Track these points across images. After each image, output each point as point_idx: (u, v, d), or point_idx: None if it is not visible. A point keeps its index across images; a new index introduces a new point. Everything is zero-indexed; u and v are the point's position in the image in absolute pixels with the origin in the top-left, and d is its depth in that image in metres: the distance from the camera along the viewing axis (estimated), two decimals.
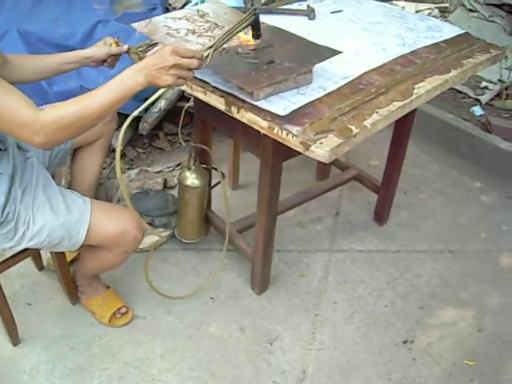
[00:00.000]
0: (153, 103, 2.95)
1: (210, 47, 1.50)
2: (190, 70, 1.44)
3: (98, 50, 1.86)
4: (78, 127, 1.45)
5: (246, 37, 1.77)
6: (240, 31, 1.59)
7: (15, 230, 1.70)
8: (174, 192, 2.70)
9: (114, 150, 2.96)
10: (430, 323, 2.23)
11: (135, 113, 1.47)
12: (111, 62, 1.89)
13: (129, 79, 1.43)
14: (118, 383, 1.97)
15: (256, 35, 1.73)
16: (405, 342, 2.15)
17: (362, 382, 2.01)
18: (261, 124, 1.57)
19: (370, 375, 2.03)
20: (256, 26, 1.69)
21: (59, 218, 1.73)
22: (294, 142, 1.50)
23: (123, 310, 2.18)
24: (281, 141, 1.55)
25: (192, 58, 1.42)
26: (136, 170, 2.87)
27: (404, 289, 2.38)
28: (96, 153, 2.13)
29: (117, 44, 1.87)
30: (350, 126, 1.55)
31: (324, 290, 2.35)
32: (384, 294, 2.34)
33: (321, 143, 1.48)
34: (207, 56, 1.48)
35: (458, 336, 2.19)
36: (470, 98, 3.51)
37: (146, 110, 2.96)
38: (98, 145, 2.12)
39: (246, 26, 1.61)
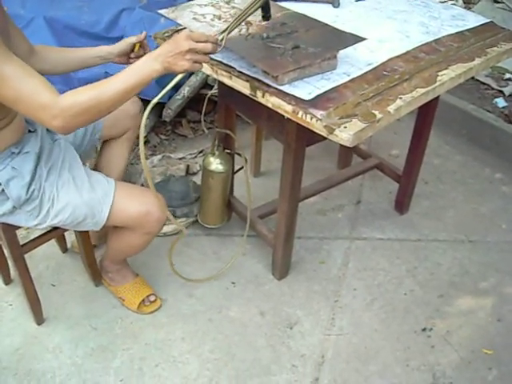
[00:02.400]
0: (174, 89, 2.98)
1: (224, 31, 1.51)
2: (205, 54, 1.45)
3: (123, 48, 1.90)
4: (94, 112, 1.48)
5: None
6: (252, 13, 1.59)
7: (40, 207, 1.74)
8: (196, 178, 2.73)
9: (137, 137, 3.00)
10: (449, 312, 2.24)
11: (155, 100, 1.48)
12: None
13: (145, 66, 1.45)
14: (140, 363, 2.00)
15: (266, 17, 1.74)
16: (423, 329, 2.16)
17: (380, 368, 2.02)
18: (285, 108, 1.58)
19: (388, 361, 2.04)
20: (266, 7, 1.70)
21: (83, 196, 1.76)
22: (318, 126, 1.52)
23: (152, 298, 2.20)
24: (305, 125, 1.56)
25: (206, 42, 1.43)
26: (159, 156, 2.90)
27: (424, 277, 2.38)
28: (123, 146, 2.16)
29: (140, 46, 1.90)
30: (373, 111, 1.56)
31: (344, 277, 2.37)
32: (403, 282, 2.35)
33: (345, 127, 1.49)
34: (222, 39, 1.49)
35: (476, 325, 2.19)
36: (493, 89, 3.48)
37: (170, 96, 2.99)
38: (125, 138, 2.14)
39: (258, 8, 1.61)
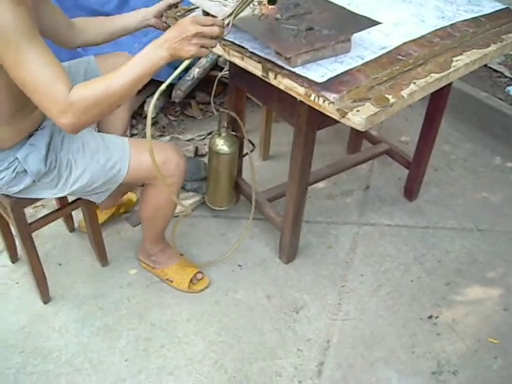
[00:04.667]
0: (184, 71, 2.96)
1: (231, 14, 1.48)
2: (212, 38, 1.42)
3: (160, 9, 1.94)
4: (104, 106, 1.45)
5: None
6: None
7: (59, 176, 1.75)
8: (205, 160, 2.72)
9: (146, 117, 2.98)
10: (455, 300, 2.23)
11: (162, 87, 1.44)
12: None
13: (151, 54, 1.42)
14: (145, 343, 2.00)
15: (271, 0, 1.72)
16: (430, 317, 2.16)
17: (385, 354, 2.02)
18: (298, 90, 1.56)
19: (393, 348, 2.04)
20: None
21: (99, 158, 1.77)
22: (330, 109, 1.50)
23: (199, 276, 2.21)
24: (317, 108, 1.54)
25: (213, 25, 1.40)
26: (167, 138, 2.89)
27: (431, 264, 2.37)
28: (123, 106, 2.10)
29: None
30: (386, 96, 1.54)
31: (351, 262, 2.36)
32: (411, 269, 2.34)
33: (357, 111, 1.47)
34: (228, 23, 1.46)
35: (483, 314, 2.18)
36: (505, 77, 3.45)
37: (180, 77, 2.96)
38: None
39: None
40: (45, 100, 1.41)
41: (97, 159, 1.77)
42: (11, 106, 1.57)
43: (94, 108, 1.42)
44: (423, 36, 1.87)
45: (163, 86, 1.44)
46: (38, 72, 1.38)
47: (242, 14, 1.51)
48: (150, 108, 1.47)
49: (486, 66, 3.40)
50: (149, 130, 1.47)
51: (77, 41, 1.91)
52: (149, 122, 1.47)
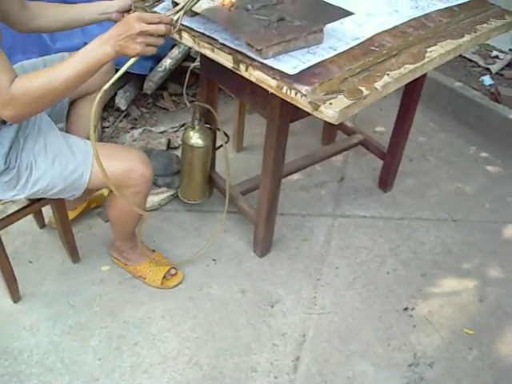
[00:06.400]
0: (155, 61, 2.91)
1: (180, 10, 1.44)
2: (159, 36, 1.38)
3: (123, 4, 1.84)
4: (46, 100, 1.43)
5: None
6: None
7: (18, 176, 1.69)
8: (178, 152, 2.68)
9: (117, 109, 2.93)
10: (431, 291, 2.23)
11: (105, 86, 1.39)
12: None
13: (96, 51, 1.39)
14: (119, 341, 1.97)
15: None
16: (405, 309, 2.15)
17: (361, 347, 2.01)
18: (269, 83, 1.53)
19: (369, 340, 2.03)
20: None
21: (61, 161, 1.71)
22: (302, 102, 1.47)
23: (173, 272, 2.18)
24: (289, 100, 1.51)
25: (159, 23, 1.36)
26: (139, 130, 2.85)
27: (406, 256, 2.37)
28: (92, 105, 2.07)
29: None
30: (360, 88, 1.51)
31: (326, 255, 2.34)
32: (386, 261, 2.34)
33: (330, 104, 1.44)
34: (177, 20, 1.42)
35: (458, 305, 2.19)
36: (479, 67, 3.45)
37: (151, 68, 2.91)
38: (94, 97, 2.07)
39: None
40: None
41: (58, 162, 1.71)
42: None
43: (36, 101, 1.41)
44: (397, 26, 1.84)
45: (101, 92, 1.39)
46: None
47: (204, 6, 1.46)
48: (92, 112, 1.41)
49: (460, 55, 3.39)
50: (93, 136, 1.43)
51: (29, 24, 1.80)
52: (92, 129, 1.42)
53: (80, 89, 1.89)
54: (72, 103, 2.04)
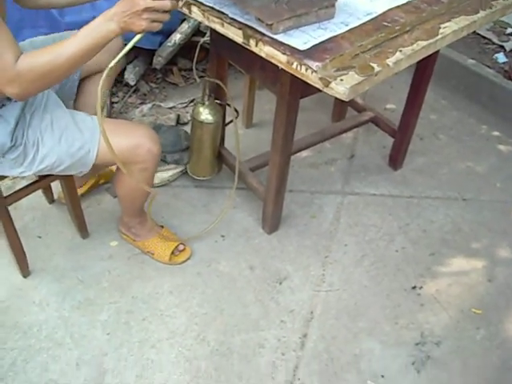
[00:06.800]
0: (165, 36, 2.89)
1: None
2: (165, 12, 1.37)
3: None
4: (52, 77, 1.43)
5: None
6: None
7: (24, 153, 1.69)
8: (187, 128, 2.66)
9: (126, 84, 2.92)
10: (439, 270, 2.22)
11: (111, 64, 1.38)
12: None
13: (101, 27, 1.38)
14: (127, 317, 1.98)
15: None
16: (414, 287, 2.15)
17: (369, 325, 2.01)
18: (279, 58, 1.51)
19: (377, 318, 2.03)
20: None
21: (68, 137, 1.71)
22: (313, 78, 1.45)
23: (181, 247, 2.18)
24: (299, 76, 1.49)
25: None
26: (149, 105, 2.83)
27: (416, 234, 2.35)
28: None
29: None
30: (371, 64, 1.49)
31: (335, 232, 2.34)
32: (395, 239, 2.33)
33: (341, 80, 1.42)
34: None
35: (467, 284, 2.18)
36: (493, 44, 3.40)
37: (160, 43, 2.89)
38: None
39: None
40: None
41: (65, 138, 1.70)
42: None
43: (41, 79, 1.41)
44: (410, 2, 1.81)
45: (107, 69, 1.38)
46: None
47: None
48: (99, 89, 1.39)
49: (474, 32, 3.34)
50: (100, 112, 1.42)
51: (38, 1, 1.79)
52: (99, 106, 1.41)
53: (89, 67, 1.89)
54: (81, 81, 2.03)
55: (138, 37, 1.40)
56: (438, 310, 2.07)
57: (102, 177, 2.42)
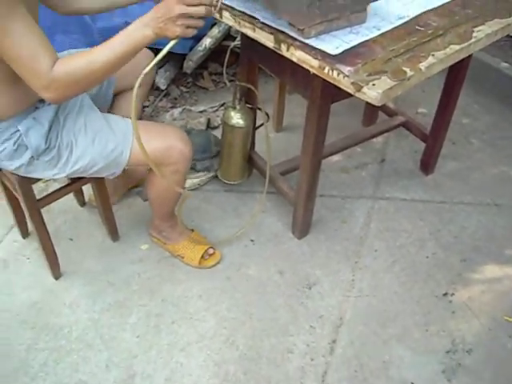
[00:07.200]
0: (196, 40, 2.90)
1: None
2: (199, 18, 1.37)
3: None
4: (87, 82, 1.46)
5: None
6: None
7: (58, 155, 1.71)
8: (217, 132, 2.67)
9: (157, 88, 2.94)
10: (471, 277, 2.19)
11: (146, 69, 1.39)
12: None
13: (136, 33, 1.39)
14: (156, 320, 1.99)
15: None
16: (445, 294, 2.12)
17: (398, 332, 1.99)
18: (311, 63, 1.51)
19: (407, 325, 2.01)
20: None
21: (101, 139, 1.73)
22: (345, 83, 1.44)
23: (211, 251, 2.19)
24: (331, 81, 1.49)
25: (199, 4, 1.34)
26: (179, 109, 2.85)
27: (447, 240, 2.32)
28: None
29: None
30: (404, 69, 1.48)
31: (365, 238, 2.32)
32: (426, 245, 2.30)
33: (373, 85, 1.41)
34: (217, 1, 1.40)
35: (499, 292, 2.14)
36: None
37: (191, 48, 2.91)
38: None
39: None
40: (27, 73, 1.40)
41: (98, 140, 1.73)
42: (9, 73, 1.51)
43: (76, 84, 1.43)
44: (443, 5, 1.79)
45: (142, 74, 1.38)
46: (19, 43, 1.35)
47: None
48: (134, 92, 1.40)
49: (507, 35, 3.30)
50: (134, 114, 1.43)
51: (70, 7, 1.80)
52: (133, 105, 1.42)
53: (125, 81, 1.91)
54: (114, 97, 2.06)
55: (172, 43, 1.40)
56: (469, 318, 2.04)
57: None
